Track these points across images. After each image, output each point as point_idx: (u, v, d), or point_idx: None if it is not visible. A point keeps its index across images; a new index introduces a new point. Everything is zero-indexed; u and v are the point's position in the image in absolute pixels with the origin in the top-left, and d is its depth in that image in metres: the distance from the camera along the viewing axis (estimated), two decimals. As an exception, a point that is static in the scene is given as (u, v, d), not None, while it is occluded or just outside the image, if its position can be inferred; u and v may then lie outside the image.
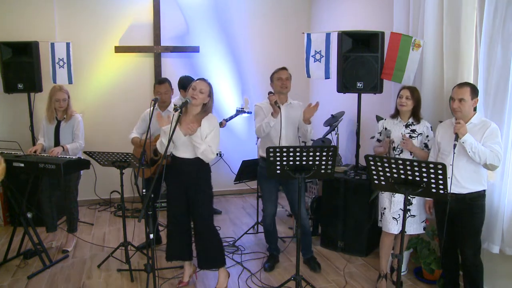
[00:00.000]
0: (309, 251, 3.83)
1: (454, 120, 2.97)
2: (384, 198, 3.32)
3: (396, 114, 3.35)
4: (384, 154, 3.29)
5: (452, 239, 3.04)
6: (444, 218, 2.90)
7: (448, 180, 2.85)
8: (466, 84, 2.92)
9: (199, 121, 3.11)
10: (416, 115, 3.28)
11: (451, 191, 2.88)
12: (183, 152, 3.14)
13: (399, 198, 3.21)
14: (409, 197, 3.22)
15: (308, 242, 3.81)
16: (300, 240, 3.83)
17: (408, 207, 3.21)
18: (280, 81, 3.59)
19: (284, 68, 3.67)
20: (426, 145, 3.26)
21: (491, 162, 2.79)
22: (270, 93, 3.54)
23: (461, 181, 2.90)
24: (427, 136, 3.25)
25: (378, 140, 3.45)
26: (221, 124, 4.62)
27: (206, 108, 3.16)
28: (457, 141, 2.81)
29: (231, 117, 5.06)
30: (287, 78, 3.61)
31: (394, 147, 3.28)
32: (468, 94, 2.85)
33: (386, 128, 3.36)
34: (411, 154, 3.25)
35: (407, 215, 3.24)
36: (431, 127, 3.28)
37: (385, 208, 3.31)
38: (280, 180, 3.64)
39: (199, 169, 3.17)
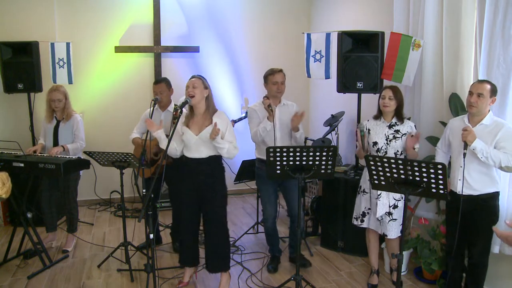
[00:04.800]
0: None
1: (466, 120, 2.90)
2: (367, 199, 3.33)
3: (379, 115, 3.32)
4: (361, 150, 3.30)
5: (461, 240, 3.00)
6: (455, 219, 2.87)
7: (459, 182, 2.84)
8: (487, 81, 2.85)
9: (210, 119, 3.12)
10: (399, 115, 3.25)
11: (463, 193, 2.85)
12: (196, 152, 3.13)
13: (384, 201, 3.21)
14: (395, 201, 3.24)
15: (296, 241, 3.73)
16: (291, 239, 3.83)
17: (391, 211, 3.23)
18: (276, 86, 3.49)
19: (280, 71, 3.55)
20: None
21: (506, 165, 2.71)
22: (265, 97, 3.51)
23: (472, 183, 2.85)
24: (412, 136, 3.23)
25: None
26: None
27: (210, 102, 3.16)
28: (466, 149, 2.76)
29: (240, 119, 5.07)
30: (283, 82, 3.52)
31: (378, 148, 3.26)
32: (488, 90, 2.78)
33: (370, 130, 3.32)
34: (395, 155, 3.23)
35: (388, 219, 3.25)
36: (415, 125, 3.27)
37: (369, 209, 3.33)
38: (277, 180, 3.58)
39: (213, 168, 3.16)
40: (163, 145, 3.16)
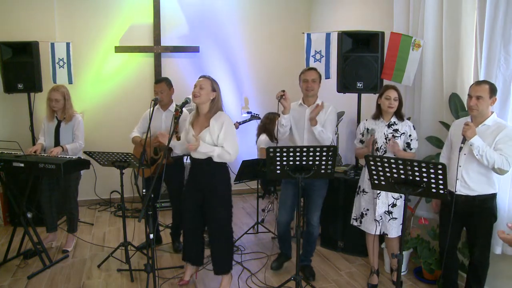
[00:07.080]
0: (307, 259, 3.69)
1: (469, 120, 2.88)
2: (366, 199, 3.32)
3: (378, 115, 3.30)
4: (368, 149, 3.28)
5: (455, 239, 3.01)
6: (450, 219, 2.87)
7: (458, 182, 2.83)
8: (485, 82, 2.82)
9: (209, 120, 3.10)
10: (399, 114, 3.25)
11: (460, 193, 2.85)
12: (197, 152, 3.10)
13: (383, 200, 3.21)
14: (393, 199, 3.23)
15: (309, 250, 3.68)
16: (302, 245, 3.69)
17: (390, 210, 3.23)
18: (305, 84, 3.40)
19: (311, 69, 3.49)
20: (408, 145, 3.24)
21: (499, 166, 2.70)
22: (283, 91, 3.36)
23: (469, 183, 2.84)
24: (410, 135, 3.23)
25: (361, 142, 3.41)
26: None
27: (214, 104, 3.11)
28: (464, 143, 2.75)
29: (245, 121, 5.04)
30: (314, 80, 3.40)
31: (377, 147, 3.25)
32: (487, 92, 2.75)
33: (368, 129, 3.30)
34: (395, 154, 3.22)
35: (388, 218, 3.26)
36: (413, 126, 3.27)
37: (368, 210, 3.32)
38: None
39: (215, 169, 3.13)
40: (177, 150, 3.36)
